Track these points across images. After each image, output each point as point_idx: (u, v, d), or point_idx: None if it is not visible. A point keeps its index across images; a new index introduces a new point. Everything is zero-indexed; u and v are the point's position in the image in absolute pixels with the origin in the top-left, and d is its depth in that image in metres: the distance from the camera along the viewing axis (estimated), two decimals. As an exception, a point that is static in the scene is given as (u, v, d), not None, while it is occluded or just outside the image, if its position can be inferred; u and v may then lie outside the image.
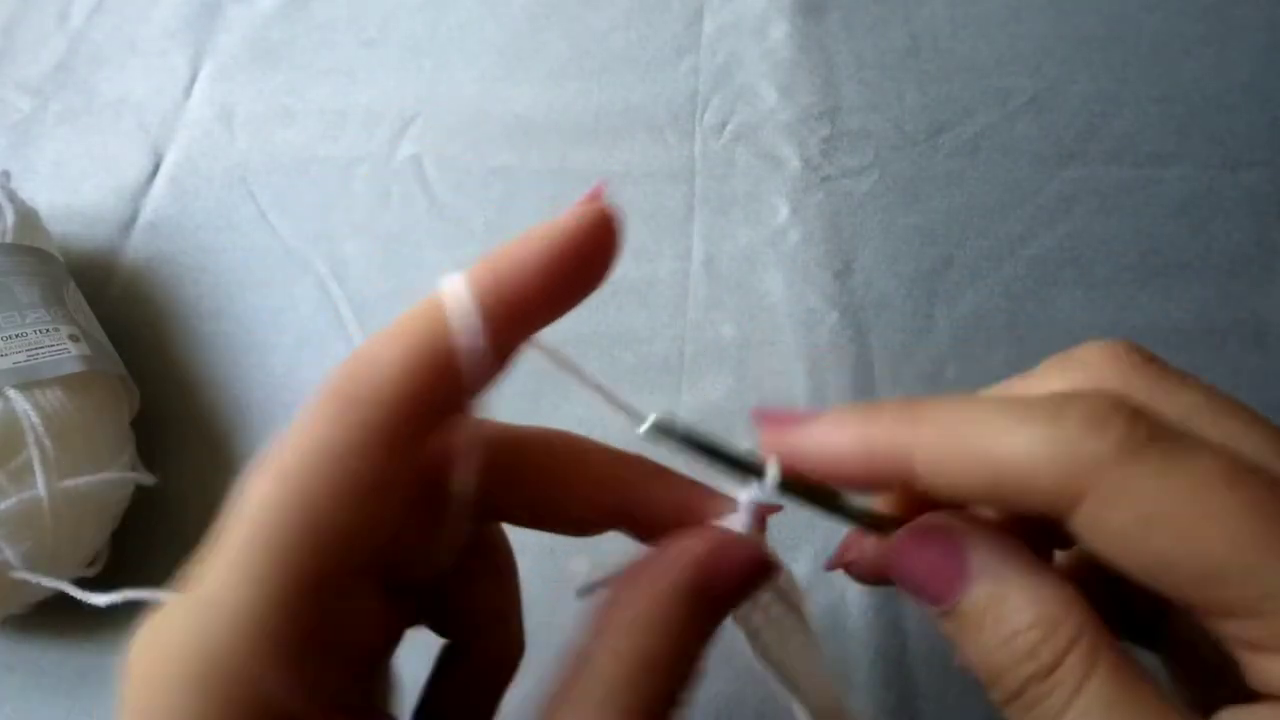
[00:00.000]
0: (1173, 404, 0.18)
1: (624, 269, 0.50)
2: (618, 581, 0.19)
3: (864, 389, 0.41)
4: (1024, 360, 0.44)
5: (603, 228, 0.19)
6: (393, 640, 0.20)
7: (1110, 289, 0.44)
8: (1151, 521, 0.15)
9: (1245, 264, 0.44)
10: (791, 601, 0.21)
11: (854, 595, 0.37)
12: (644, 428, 0.20)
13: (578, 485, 0.21)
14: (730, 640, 0.35)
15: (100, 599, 0.31)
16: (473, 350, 0.17)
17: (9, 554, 0.33)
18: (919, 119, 0.50)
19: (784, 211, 0.47)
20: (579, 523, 0.21)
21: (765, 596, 0.21)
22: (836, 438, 0.18)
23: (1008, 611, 0.17)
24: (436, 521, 0.19)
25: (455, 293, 0.18)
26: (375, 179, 0.49)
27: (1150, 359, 0.19)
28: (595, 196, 0.19)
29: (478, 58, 0.54)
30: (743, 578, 0.19)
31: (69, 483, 0.35)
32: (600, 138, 0.50)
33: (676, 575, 0.18)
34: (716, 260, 0.45)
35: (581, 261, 0.19)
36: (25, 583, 0.34)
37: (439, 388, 0.17)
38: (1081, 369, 0.19)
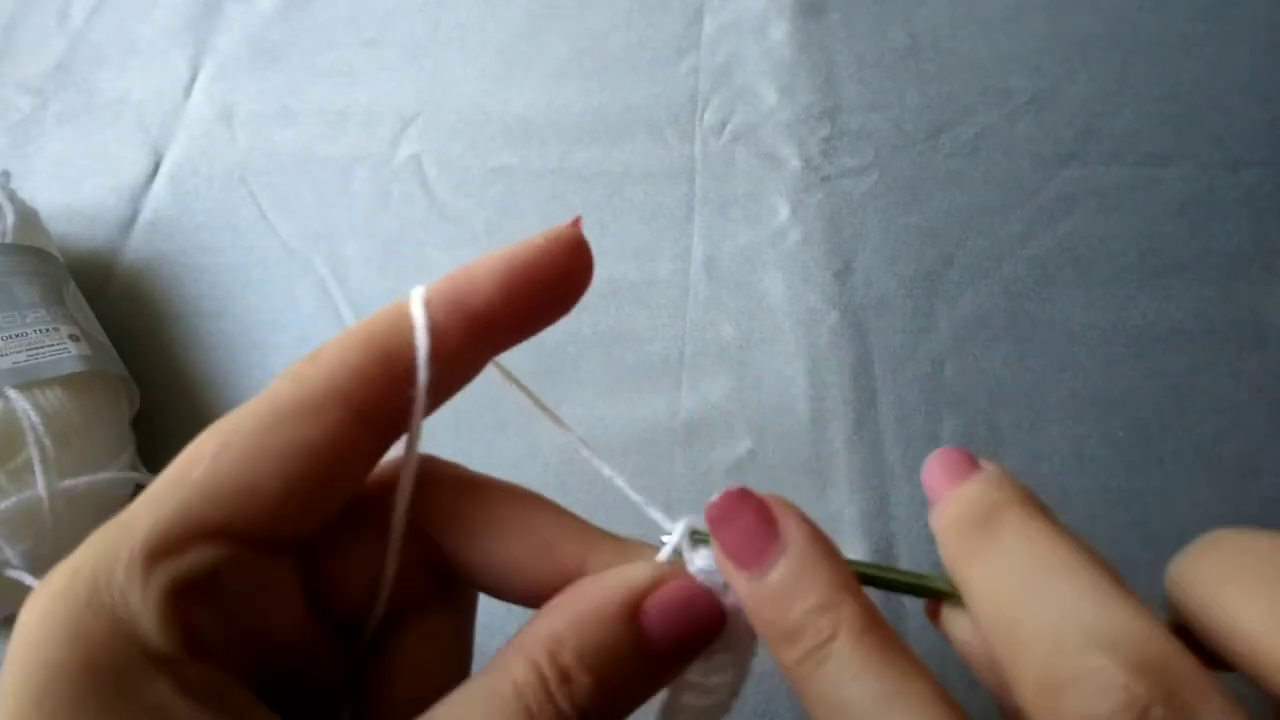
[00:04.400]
0: None
1: (624, 269, 0.50)
2: (548, 604, 0.19)
3: (864, 389, 0.41)
4: (1024, 360, 0.44)
5: (573, 252, 0.19)
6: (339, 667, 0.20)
7: (1110, 289, 0.44)
8: None
9: (1245, 264, 0.44)
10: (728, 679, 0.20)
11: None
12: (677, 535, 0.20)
13: (536, 547, 0.20)
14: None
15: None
16: (423, 359, 0.18)
17: (9, 554, 0.33)
18: (919, 119, 0.50)
19: (784, 211, 0.47)
20: (528, 590, 0.20)
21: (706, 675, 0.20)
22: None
23: (817, 577, 0.18)
24: (377, 554, 0.19)
25: (414, 302, 0.19)
26: (375, 179, 0.49)
27: None
28: (573, 225, 0.20)
29: (478, 58, 0.54)
30: (686, 614, 0.19)
31: (69, 482, 0.35)
32: (600, 138, 0.50)
33: (610, 596, 0.18)
34: (716, 260, 0.45)
35: (547, 283, 0.19)
36: (21, 585, 0.34)
37: (383, 386, 0.18)
38: None
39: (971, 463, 0.19)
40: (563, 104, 0.51)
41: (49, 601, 0.16)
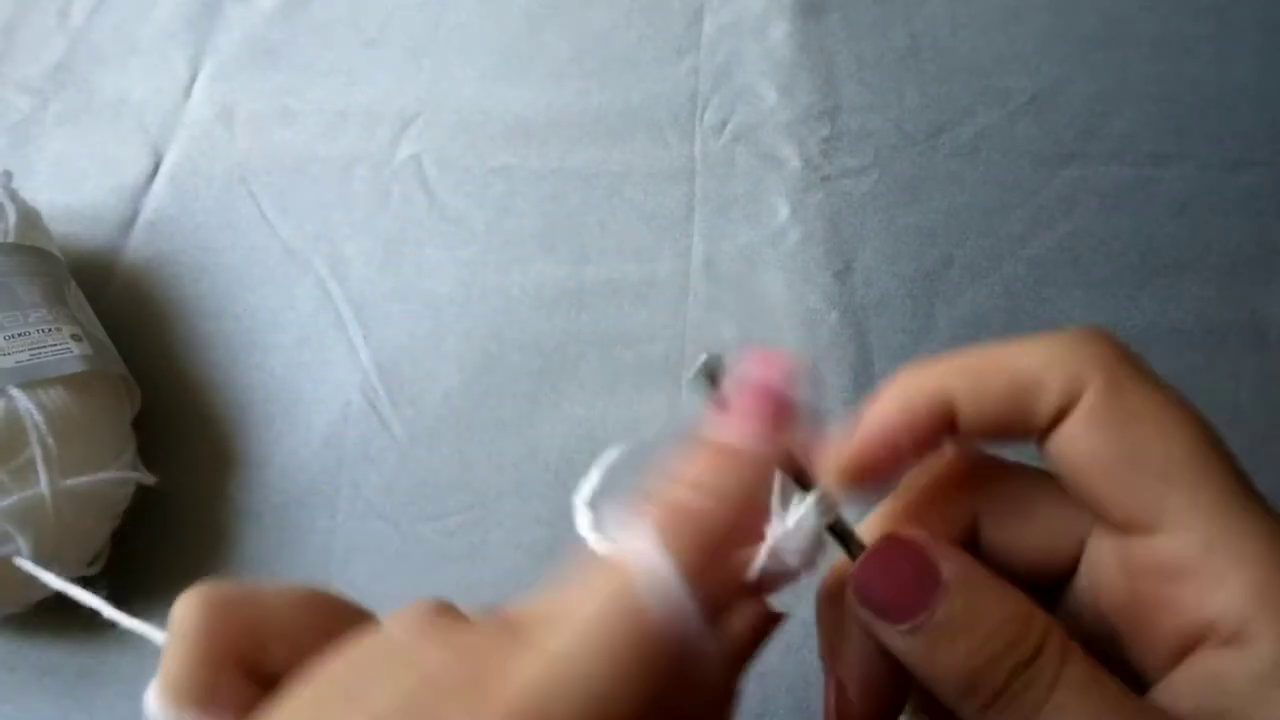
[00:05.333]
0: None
1: (624, 269, 0.50)
2: None
3: (864, 389, 0.41)
4: (1024, 360, 0.44)
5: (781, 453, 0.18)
6: None
7: (1110, 289, 0.44)
8: (1134, 415, 0.17)
9: (1245, 264, 0.44)
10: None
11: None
12: (694, 370, 0.19)
13: None
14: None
15: (93, 600, 0.31)
16: (694, 642, 0.14)
17: (19, 544, 0.33)
18: (919, 119, 0.50)
19: (784, 211, 0.47)
20: None
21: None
22: (878, 407, 0.20)
23: (983, 612, 0.18)
24: None
25: (654, 573, 0.14)
26: (375, 179, 0.49)
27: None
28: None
29: (478, 58, 0.54)
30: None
31: (71, 481, 0.35)
32: (600, 138, 0.50)
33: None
34: (716, 260, 0.46)
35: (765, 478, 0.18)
36: (26, 580, 0.34)
37: (654, 687, 0.14)
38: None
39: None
40: (563, 104, 0.51)
41: None
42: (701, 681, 0.16)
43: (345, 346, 0.44)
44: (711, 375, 0.19)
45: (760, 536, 0.18)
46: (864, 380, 0.42)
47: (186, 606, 0.17)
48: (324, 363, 0.44)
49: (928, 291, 0.44)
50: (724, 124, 0.50)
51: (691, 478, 0.16)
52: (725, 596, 0.17)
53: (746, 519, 0.17)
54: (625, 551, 0.15)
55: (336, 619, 0.18)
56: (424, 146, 0.50)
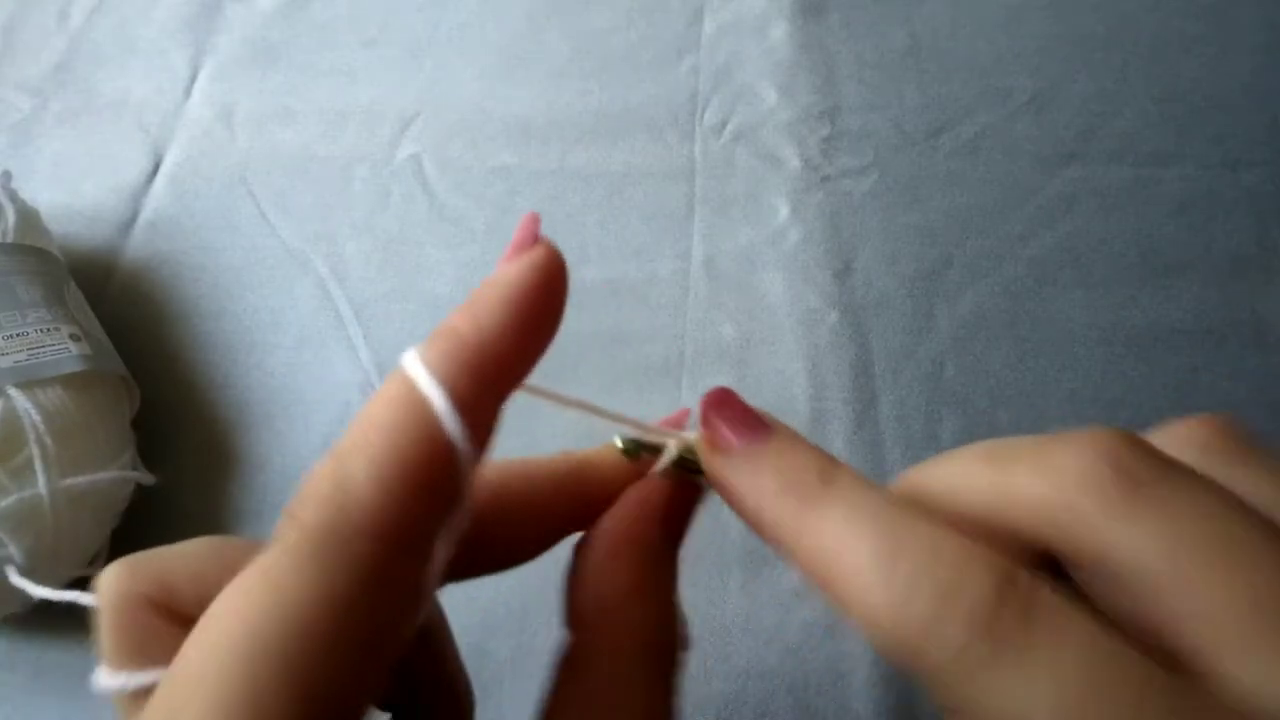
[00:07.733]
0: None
1: (624, 269, 0.50)
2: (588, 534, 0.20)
3: (864, 389, 0.41)
4: (1024, 360, 0.44)
5: (553, 268, 0.17)
6: None
7: (1110, 289, 0.44)
8: None
9: (1245, 264, 0.44)
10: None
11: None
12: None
13: (529, 513, 0.21)
14: (729, 639, 0.36)
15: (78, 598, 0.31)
16: (459, 438, 0.15)
17: (12, 550, 0.33)
18: (919, 119, 0.50)
19: (784, 211, 0.47)
20: (534, 548, 0.21)
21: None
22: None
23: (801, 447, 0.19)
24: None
25: (422, 379, 0.15)
26: (375, 179, 0.49)
27: (1228, 441, 0.18)
28: (530, 233, 0.18)
29: (478, 58, 0.54)
30: (680, 506, 0.21)
31: (70, 481, 0.35)
32: (600, 138, 0.50)
33: (631, 514, 0.20)
34: (716, 260, 0.46)
35: (544, 310, 0.17)
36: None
37: (431, 495, 0.15)
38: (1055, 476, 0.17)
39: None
40: (563, 104, 0.51)
41: None
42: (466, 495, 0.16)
43: (345, 346, 0.44)
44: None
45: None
46: (864, 380, 0.42)
47: (102, 579, 0.18)
48: (324, 363, 0.44)
49: (928, 291, 0.44)
50: (724, 124, 0.50)
51: (466, 311, 0.17)
52: (493, 399, 0.17)
53: (519, 344, 0.17)
54: (405, 376, 0.16)
55: (236, 555, 0.18)
56: (424, 146, 0.50)
